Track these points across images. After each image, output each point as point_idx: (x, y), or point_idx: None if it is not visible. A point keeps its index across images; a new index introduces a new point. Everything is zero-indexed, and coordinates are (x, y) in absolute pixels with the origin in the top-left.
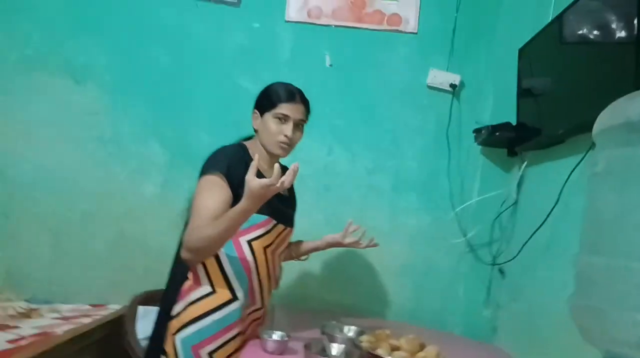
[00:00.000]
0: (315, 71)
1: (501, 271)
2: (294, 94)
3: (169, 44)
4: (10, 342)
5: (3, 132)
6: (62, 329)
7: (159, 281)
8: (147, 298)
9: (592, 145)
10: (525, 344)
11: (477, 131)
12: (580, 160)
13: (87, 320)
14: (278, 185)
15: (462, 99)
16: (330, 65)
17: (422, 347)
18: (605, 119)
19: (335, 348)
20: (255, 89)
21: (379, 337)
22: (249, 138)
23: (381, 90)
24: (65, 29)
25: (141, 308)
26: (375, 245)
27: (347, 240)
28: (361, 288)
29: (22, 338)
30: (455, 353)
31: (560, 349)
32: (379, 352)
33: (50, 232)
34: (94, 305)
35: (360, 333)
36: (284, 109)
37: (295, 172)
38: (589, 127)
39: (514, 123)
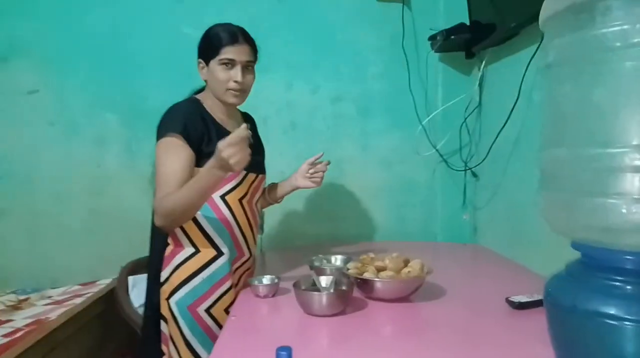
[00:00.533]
0: (262, 5)
1: (474, 174)
2: (236, 35)
3: (101, 4)
4: (5, 335)
5: None
6: (55, 314)
7: (143, 248)
8: (134, 267)
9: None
10: (505, 239)
11: (432, 38)
12: (536, 50)
13: (79, 300)
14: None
15: (413, 7)
16: None
17: (406, 263)
18: (550, 5)
19: (324, 280)
20: (199, 34)
21: (364, 261)
22: (202, 90)
23: (332, 15)
24: None
25: (131, 278)
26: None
27: (306, 182)
28: (344, 217)
29: (18, 330)
30: (441, 258)
31: (539, 239)
32: (366, 275)
33: (21, 221)
34: (83, 284)
35: (347, 261)
36: (228, 53)
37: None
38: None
39: (468, 23)
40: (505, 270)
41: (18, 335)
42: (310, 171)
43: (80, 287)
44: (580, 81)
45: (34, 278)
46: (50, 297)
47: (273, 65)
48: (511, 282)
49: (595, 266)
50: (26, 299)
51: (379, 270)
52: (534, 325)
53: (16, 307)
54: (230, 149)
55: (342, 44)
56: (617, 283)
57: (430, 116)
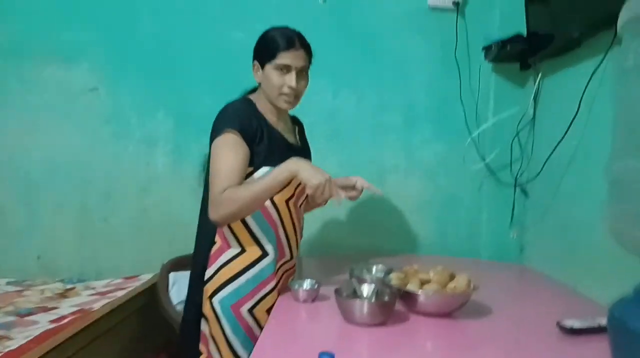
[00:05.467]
0: (308, 10)
1: (524, 191)
2: (293, 40)
3: (154, 9)
4: (52, 321)
5: (6, 127)
6: (99, 304)
7: (185, 247)
8: (175, 265)
9: (614, 42)
10: (555, 260)
11: (487, 48)
12: (602, 61)
13: (121, 293)
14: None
15: (467, 16)
16: (324, 1)
17: (452, 277)
18: (632, 7)
19: (366, 289)
20: (249, 39)
21: (407, 273)
22: (253, 90)
23: (380, 21)
24: (46, 10)
25: (172, 275)
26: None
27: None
28: (385, 228)
29: (63, 317)
30: (486, 277)
31: (594, 262)
32: (410, 287)
33: (71, 215)
34: (126, 278)
35: (388, 271)
36: (284, 58)
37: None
38: (608, 24)
39: (524, 34)
40: (555, 292)
41: (64, 322)
42: (348, 195)
43: (122, 280)
44: None
45: (80, 270)
46: (94, 288)
47: (320, 71)
48: (562, 306)
49: None
50: (72, 288)
51: (423, 283)
52: (590, 352)
53: (63, 295)
54: (323, 186)
55: (390, 52)
56: None
57: (481, 128)
